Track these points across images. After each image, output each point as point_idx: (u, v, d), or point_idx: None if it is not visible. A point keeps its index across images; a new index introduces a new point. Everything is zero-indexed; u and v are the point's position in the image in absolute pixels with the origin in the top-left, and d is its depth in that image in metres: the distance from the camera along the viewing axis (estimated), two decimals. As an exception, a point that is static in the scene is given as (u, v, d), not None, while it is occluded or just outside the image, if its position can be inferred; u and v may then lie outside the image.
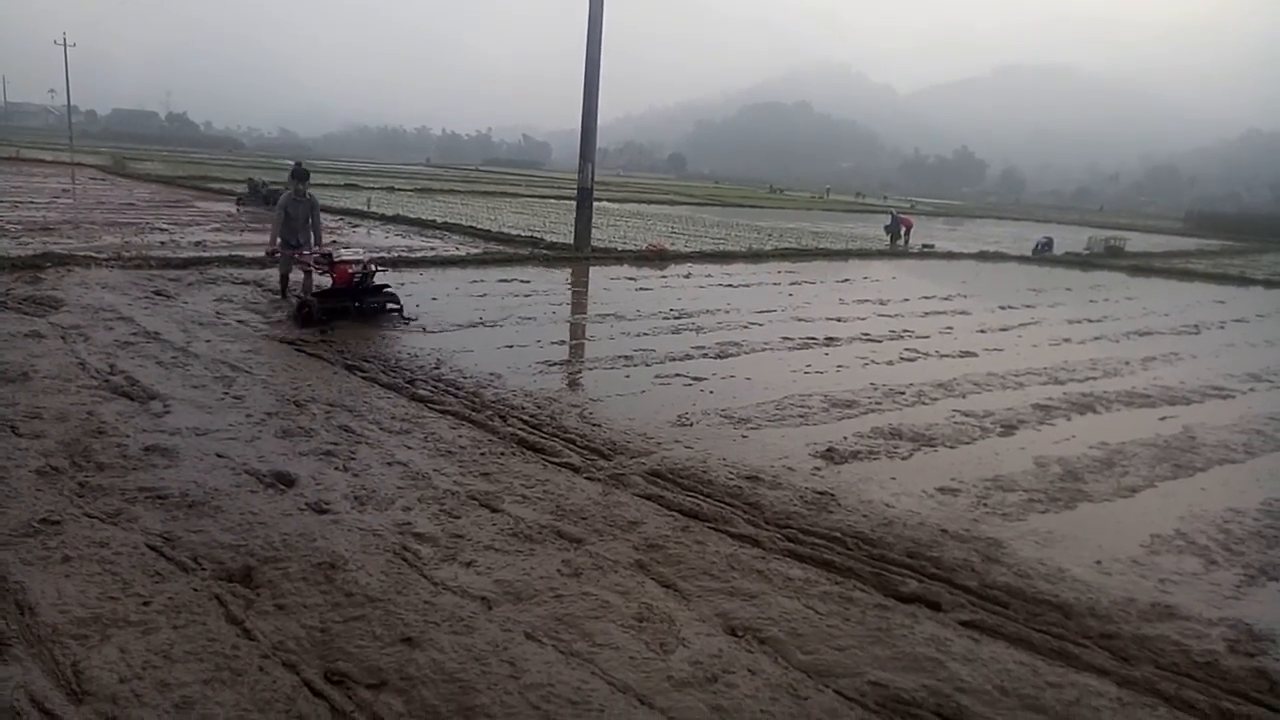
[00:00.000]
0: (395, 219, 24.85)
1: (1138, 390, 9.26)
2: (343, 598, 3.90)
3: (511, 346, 9.44)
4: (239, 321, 9.83)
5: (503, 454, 6.07)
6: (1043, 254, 28.98)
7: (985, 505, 5.69)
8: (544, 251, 19.36)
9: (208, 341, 8.69)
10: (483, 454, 6.02)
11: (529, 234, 22.34)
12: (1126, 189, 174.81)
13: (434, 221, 24.38)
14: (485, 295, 13.04)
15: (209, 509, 4.74)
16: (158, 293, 11.27)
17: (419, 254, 17.11)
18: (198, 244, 16.62)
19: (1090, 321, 14.59)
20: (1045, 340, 12.27)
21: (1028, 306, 16.04)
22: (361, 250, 10.87)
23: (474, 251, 18.25)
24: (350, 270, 10.26)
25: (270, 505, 4.87)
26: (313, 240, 11.22)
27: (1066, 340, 12.39)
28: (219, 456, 5.55)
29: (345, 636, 3.60)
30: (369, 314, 10.34)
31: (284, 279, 11.45)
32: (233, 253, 15.22)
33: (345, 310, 10.16)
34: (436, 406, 7.07)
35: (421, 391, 7.47)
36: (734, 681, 3.50)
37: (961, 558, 4.81)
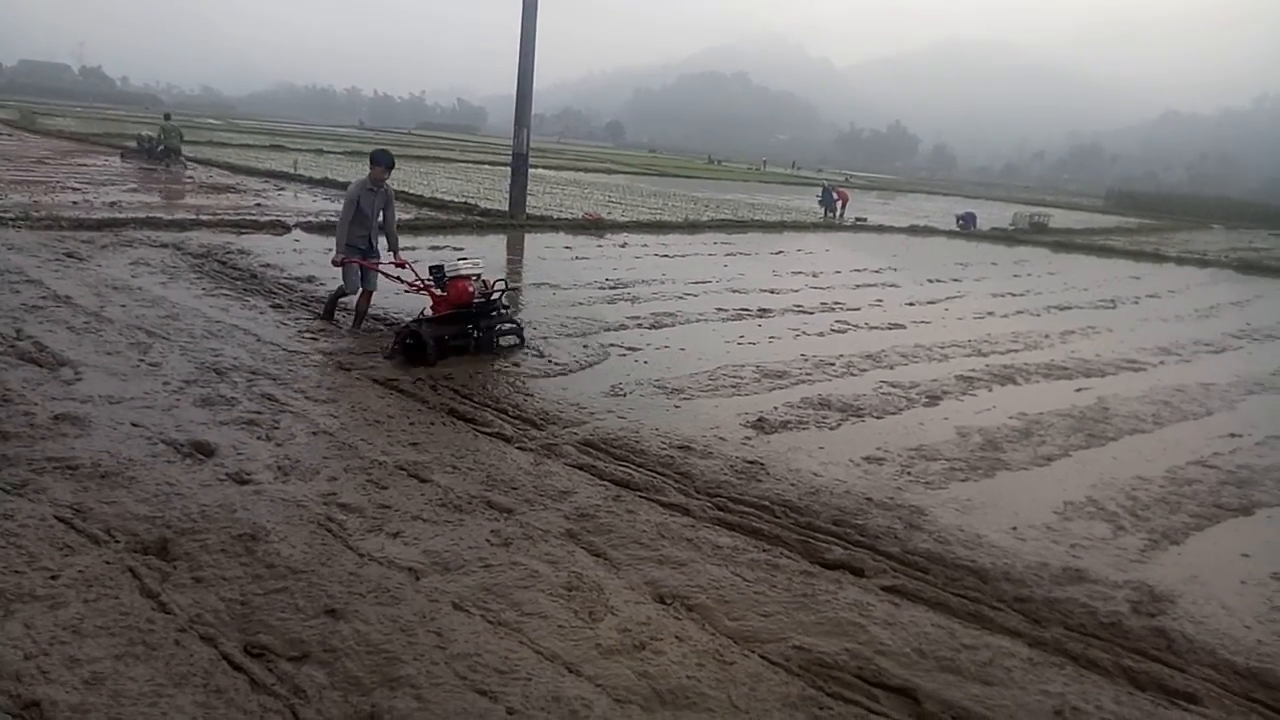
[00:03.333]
0: (324, 183, 24.17)
1: (1056, 362, 9.58)
2: (264, 570, 3.82)
3: (443, 314, 9.28)
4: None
5: (432, 424, 5.99)
6: (966, 228, 29.62)
7: (909, 474, 5.83)
8: (478, 218, 19.07)
9: (123, 306, 8.34)
10: (412, 424, 5.93)
11: (463, 200, 21.95)
12: (1052, 166, 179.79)
13: (365, 185, 23.74)
14: (417, 263, 12.75)
15: (123, 480, 4.57)
16: (69, 255, 10.77)
17: (348, 219, 16.65)
18: (112, 204, 15.91)
19: (1013, 295, 15.02)
20: (970, 313, 12.59)
21: (955, 280, 16.43)
22: (480, 259, 8.17)
23: (405, 218, 17.84)
24: (470, 287, 7.78)
25: (188, 476, 4.72)
26: (384, 244, 8.51)
27: (990, 314, 12.73)
28: (134, 426, 5.35)
29: (266, 609, 3.52)
30: (488, 346, 7.89)
31: (338, 297, 8.62)
32: (150, 214, 14.61)
33: (463, 341, 7.74)
34: (362, 372, 6.93)
35: (343, 362, 7.31)
36: (661, 648, 3.53)
37: (885, 525, 4.93)
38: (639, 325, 9.69)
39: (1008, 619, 4.07)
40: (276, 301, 9.27)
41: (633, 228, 20.54)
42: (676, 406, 6.87)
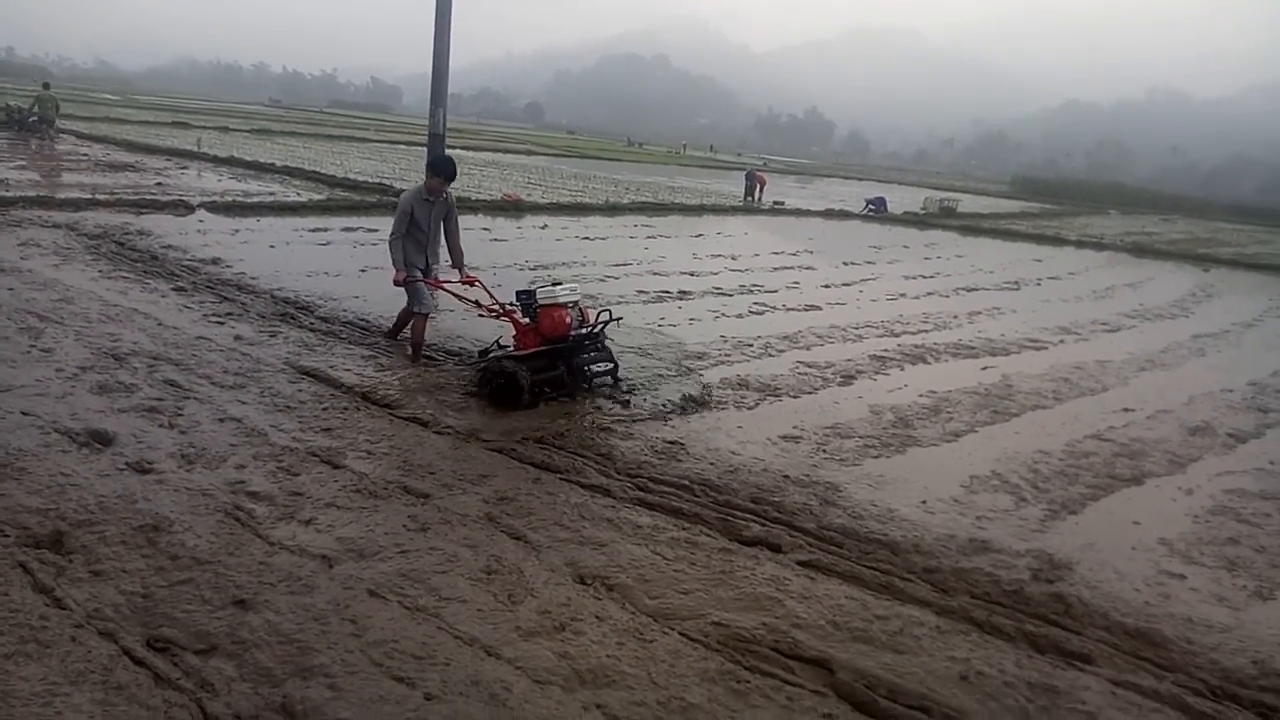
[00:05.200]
0: (229, 161, 23.25)
1: (964, 342, 9.92)
2: (168, 561, 3.67)
3: (358, 297, 9.06)
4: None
5: (346, 408, 5.85)
6: (877, 213, 30.30)
7: (824, 451, 5.96)
8: (393, 199, 18.58)
9: (10, 290, 7.88)
10: (325, 409, 5.78)
11: (378, 181, 21.45)
12: (960, 153, 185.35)
13: (273, 165, 22.98)
14: (329, 245, 12.46)
15: (12, 471, 4.33)
16: (-51, 235, 10.12)
17: (255, 199, 16.09)
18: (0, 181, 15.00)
19: (924, 278, 15.47)
20: (883, 295, 12.92)
21: (869, 263, 16.82)
22: (576, 285, 6.97)
23: (317, 198, 17.35)
24: (567, 317, 6.60)
25: (84, 466, 4.50)
26: (448, 261, 7.43)
27: (902, 295, 13.09)
28: (24, 415, 5.07)
29: (170, 601, 3.39)
30: (578, 383, 6.68)
31: (404, 324, 7.49)
32: (40, 193, 13.82)
33: (556, 378, 6.52)
34: (267, 353, 6.72)
35: (248, 332, 7.08)
36: (581, 629, 3.54)
37: (801, 501, 5.04)
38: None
39: (917, 589, 4.20)
40: (179, 284, 8.89)
41: (553, 210, 20.38)
42: (606, 386, 6.86)
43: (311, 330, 7.71)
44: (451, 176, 7.03)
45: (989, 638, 3.85)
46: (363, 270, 10.71)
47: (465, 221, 16.73)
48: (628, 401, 6.56)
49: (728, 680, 3.32)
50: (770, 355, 8.46)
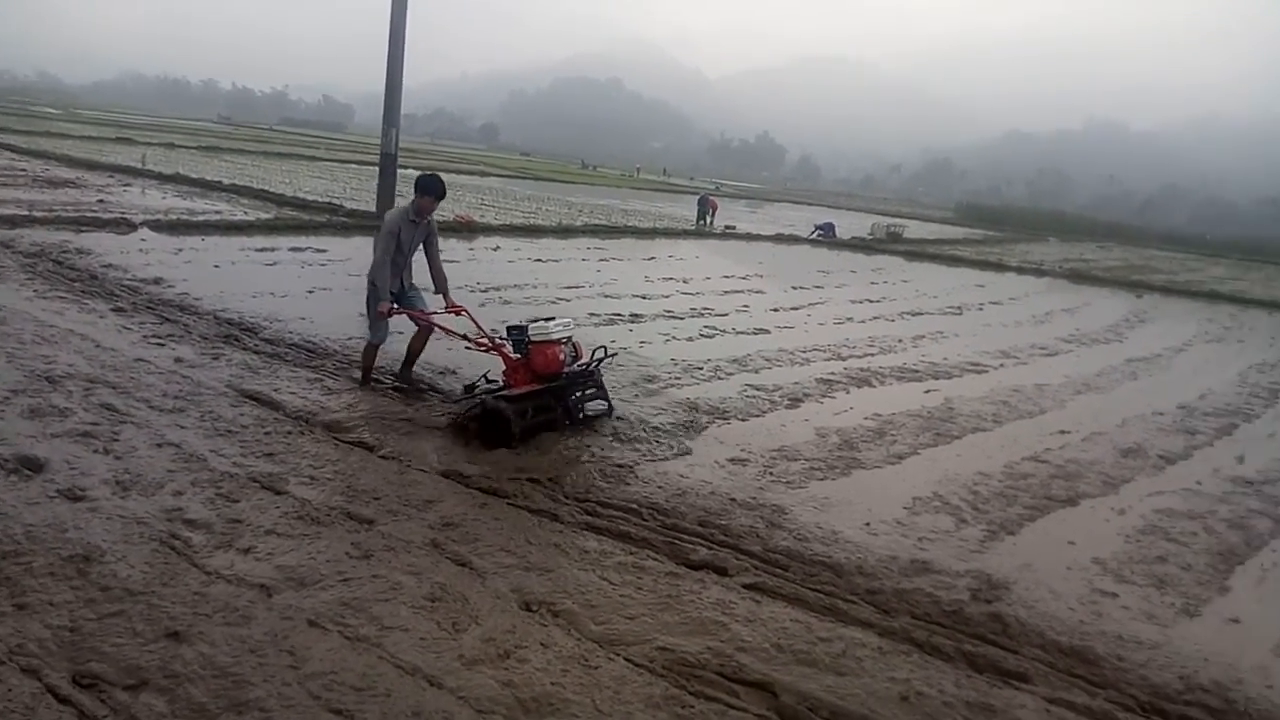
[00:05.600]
0: (175, 178, 22.81)
1: (908, 366, 10.11)
2: (98, 593, 3.57)
3: (305, 319, 8.94)
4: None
5: (290, 433, 5.76)
6: (825, 238, 30.79)
7: (771, 474, 6.03)
8: (343, 219, 18.47)
9: (-62, 310, 7.63)
10: (268, 433, 5.68)
11: (328, 200, 21.21)
12: (907, 179, 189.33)
13: (220, 183, 22.60)
14: (276, 265, 12.28)
15: (-65, 500, 4.18)
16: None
17: (200, 218, 15.80)
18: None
19: (871, 302, 15.75)
20: (831, 319, 13.12)
21: (817, 287, 17.08)
22: (570, 320, 6.79)
23: (264, 217, 17.10)
24: (561, 354, 6.34)
25: (12, 494, 4.35)
26: (429, 287, 7.10)
27: (849, 319, 13.31)
28: (-51, 441, 4.91)
29: (100, 635, 3.30)
30: (573, 418, 6.46)
31: (373, 353, 7.04)
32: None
33: (549, 417, 6.29)
34: (209, 376, 6.59)
35: (190, 355, 6.94)
36: (526, 656, 3.52)
37: (748, 524, 5.08)
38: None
39: (860, 611, 4.26)
40: (119, 305, 8.68)
41: (506, 231, 20.35)
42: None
43: (256, 353, 7.58)
44: (441, 195, 6.79)
45: (929, 658, 3.92)
46: (310, 291, 10.58)
47: (416, 243, 16.68)
48: (613, 416, 6.66)
49: (672, 705, 3.33)
50: (719, 378, 8.53)
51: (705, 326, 11.23)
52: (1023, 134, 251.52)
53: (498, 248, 17.33)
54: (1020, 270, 27.59)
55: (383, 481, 5.11)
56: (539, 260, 16.06)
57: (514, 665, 3.45)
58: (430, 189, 6.69)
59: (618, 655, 3.63)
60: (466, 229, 19.59)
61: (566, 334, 6.42)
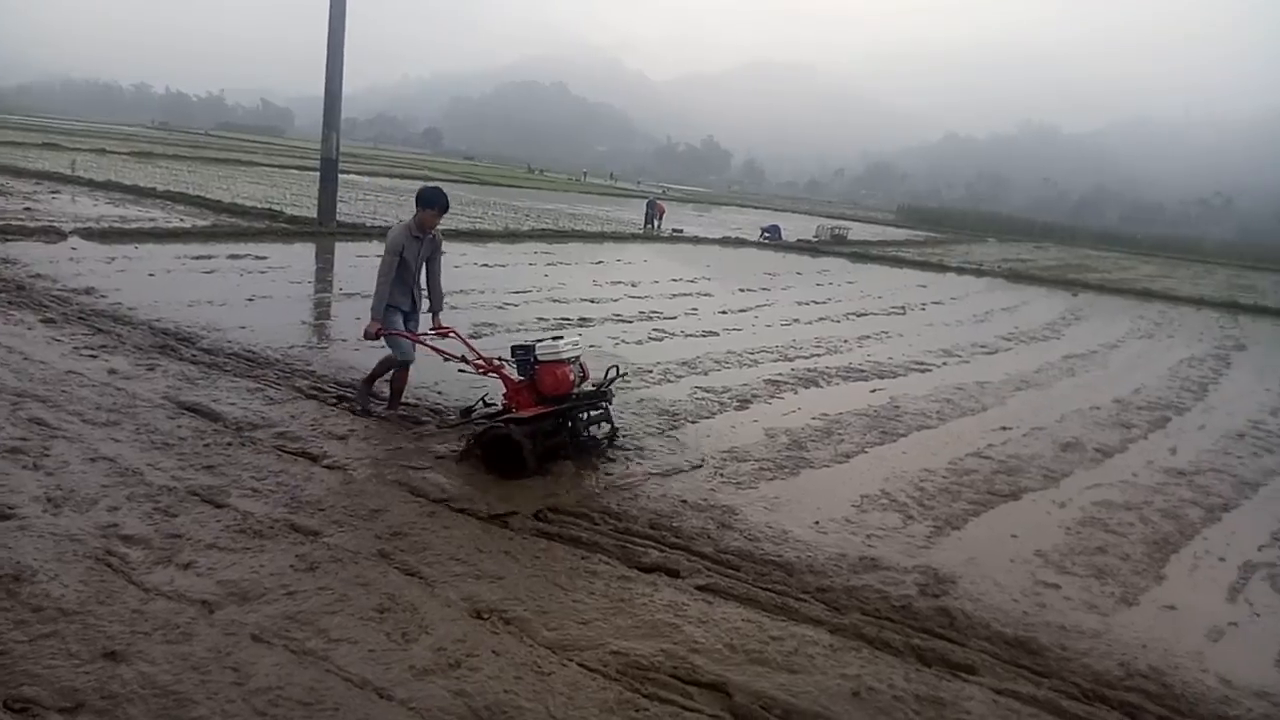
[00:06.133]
0: (106, 185, 22.12)
1: (854, 365, 10.26)
2: (29, 614, 3.43)
3: (245, 328, 8.74)
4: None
5: (231, 444, 5.61)
6: (772, 240, 31.14)
7: (721, 475, 6.05)
8: (284, 225, 18.12)
9: None
10: (207, 445, 5.52)
11: (267, 206, 20.78)
12: (850, 182, 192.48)
13: (154, 190, 21.98)
14: (213, 272, 11.98)
15: None
16: None
17: (134, 225, 15.35)
18: None
19: (816, 303, 15.95)
20: (778, 320, 13.25)
21: (764, 289, 17.24)
22: (579, 336, 6.44)
23: (201, 224, 16.68)
24: (570, 374, 5.97)
25: (-65, 514, 4.17)
26: (427, 304, 6.73)
27: (796, 320, 13.46)
28: None
29: (32, 657, 3.17)
30: (583, 439, 6.16)
31: (382, 372, 6.65)
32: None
33: (558, 441, 5.97)
34: (144, 388, 6.40)
35: (124, 366, 6.73)
36: (478, 665, 3.48)
37: (699, 526, 5.10)
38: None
39: (811, 609, 4.30)
40: (48, 315, 8.38)
41: (451, 236, 20.06)
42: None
43: (194, 363, 7.38)
44: (445, 208, 6.38)
45: (879, 653, 3.97)
46: (250, 299, 10.35)
47: (358, 248, 16.52)
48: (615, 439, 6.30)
49: (626, 709, 3.32)
50: (669, 381, 8.55)
51: (654, 330, 11.26)
52: (961, 138, 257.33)
53: (443, 253, 17.13)
54: (961, 271, 28.20)
55: (327, 492, 5.01)
56: (485, 265, 15.94)
57: (466, 674, 3.40)
58: (432, 201, 6.29)
59: (571, 661, 3.60)
60: (411, 234, 19.34)
61: (576, 353, 6.03)
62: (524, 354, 5.96)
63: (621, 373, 6.58)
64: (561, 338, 6.04)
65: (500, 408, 6.10)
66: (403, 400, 6.70)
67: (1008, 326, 15.63)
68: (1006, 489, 6.43)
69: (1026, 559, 5.22)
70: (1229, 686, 3.96)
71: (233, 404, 6.40)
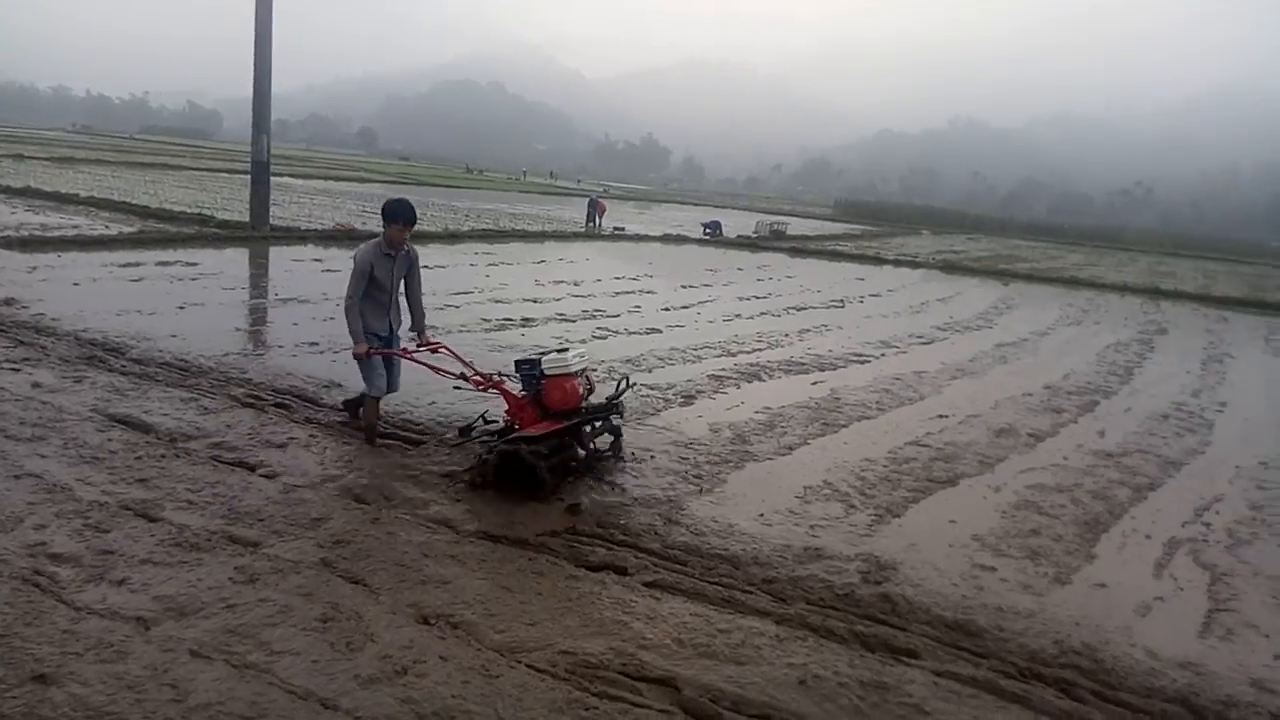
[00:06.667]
0: (25, 192, 21.28)
1: (795, 359, 10.40)
2: (-48, 640, 3.30)
3: (176, 336, 8.49)
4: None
5: (164, 456, 5.46)
6: (713, 236, 31.37)
7: (668, 471, 6.07)
8: (215, 230, 17.63)
9: None
10: (139, 458, 5.37)
11: (197, 211, 20.24)
12: (788, 178, 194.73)
13: (77, 196, 21.22)
14: (142, 280, 11.61)
15: None
16: None
17: (55, 233, 14.80)
18: None
19: (757, 298, 16.12)
20: (720, 316, 13.36)
21: (705, 285, 17.35)
22: (583, 348, 6.37)
23: (128, 231, 16.15)
24: (579, 386, 5.77)
25: None
26: (405, 323, 6.31)
27: (738, 316, 13.58)
28: None
29: (-44, 685, 3.05)
30: (590, 454, 5.96)
31: (374, 408, 6.18)
32: None
33: (570, 455, 5.75)
34: (71, 401, 6.19)
35: (49, 379, 6.49)
36: (425, 671, 3.45)
37: (646, 522, 5.12)
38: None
39: (757, 600, 4.36)
40: (-36, 329, 8.05)
41: (389, 239, 19.83)
42: (444, 418, 6.72)
43: (123, 374, 7.16)
44: (412, 221, 6.02)
45: (824, 641, 4.04)
46: (181, 307, 10.06)
47: (293, 252, 16.18)
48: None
49: (575, 709, 3.32)
50: (614, 379, 8.54)
51: (598, 328, 11.25)
52: (894, 133, 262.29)
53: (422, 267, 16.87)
54: (897, 263, 28.75)
55: (266, 502, 4.91)
56: (425, 267, 15.61)
57: (413, 681, 3.37)
58: (398, 215, 5.91)
59: (519, 663, 3.60)
60: (348, 237, 19.02)
61: (583, 365, 5.83)
62: (529, 368, 5.71)
63: (631, 383, 6.41)
64: (567, 350, 5.81)
65: (503, 425, 5.87)
66: (379, 427, 6.24)
67: (943, 317, 16.00)
68: (944, 476, 6.58)
69: (964, 543, 5.36)
70: (1155, 659, 4.13)
71: (165, 415, 6.23)
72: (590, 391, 5.90)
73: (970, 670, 3.89)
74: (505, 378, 6.06)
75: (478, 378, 6.00)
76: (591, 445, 5.98)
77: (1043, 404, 9.40)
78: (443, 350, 6.22)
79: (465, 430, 6.10)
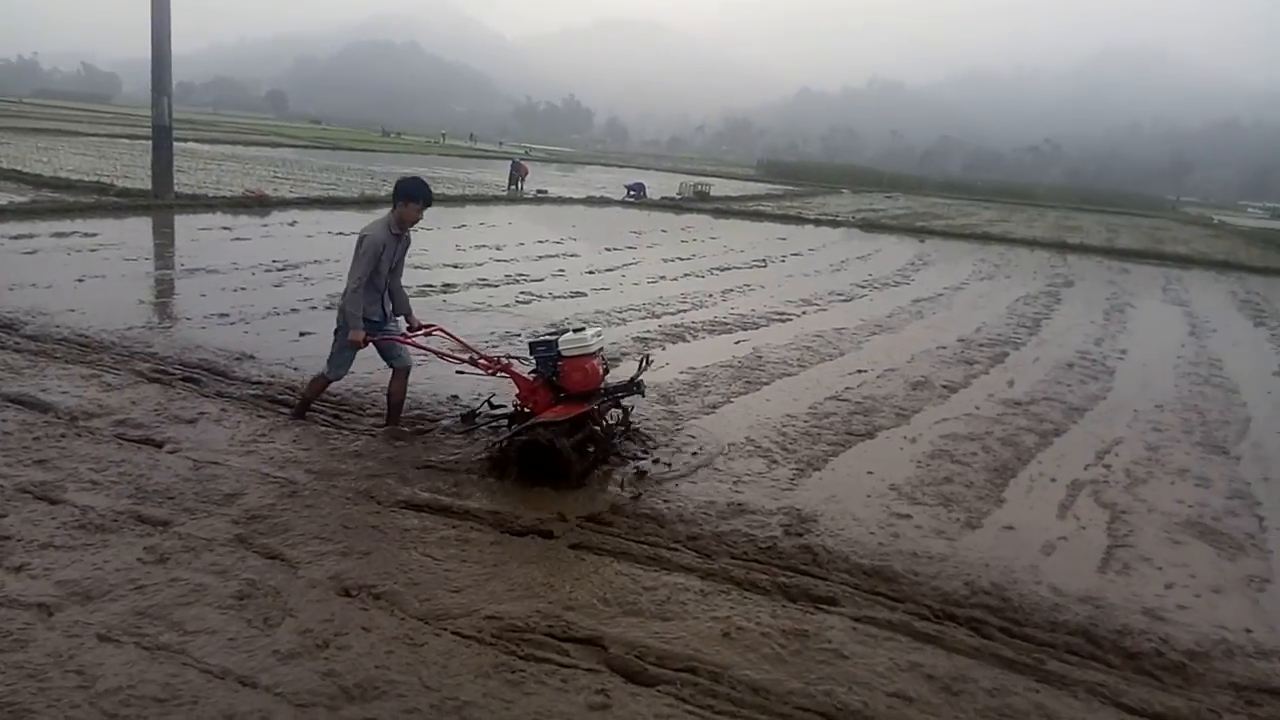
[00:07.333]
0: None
1: (719, 319, 10.48)
2: None
3: (75, 311, 8.10)
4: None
5: (65, 435, 5.22)
6: (637, 198, 31.29)
7: (592, 434, 6.08)
8: (115, 199, 16.81)
9: None
10: (36, 438, 5.12)
11: (95, 179, 19.27)
12: (711, 139, 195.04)
13: (-41, 164, 19.94)
14: (36, 253, 11.02)
15: None
16: None
17: (-63, 204, 13.89)
18: None
19: (681, 260, 16.16)
20: (644, 278, 13.37)
21: (630, 248, 17.32)
22: (600, 329, 6.15)
23: (19, 200, 15.27)
24: (599, 367, 5.48)
25: None
26: (394, 307, 5.91)
27: (662, 278, 13.61)
28: None
29: None
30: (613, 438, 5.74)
31: (321, 386, 5.97)
32: None
33: (589, 438, 5.47)
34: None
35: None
36: (348, 643, 3.40)
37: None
38: (312, 308, 9.14)
39: (682, 557, 4.42)
40: None
41: (303, 205, 19.23)
42: (361, 390, 6.58)
43: (17, 351, 6.80)
44: (430, 201, 5.71)
45: (748, 594, 4.12)
46: (80, 280, 9.60)
47: (200, 220, 15.60)
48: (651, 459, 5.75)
49: (502, 672, 3.32)
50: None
51: (521, 293, 11.14)
52: (814, 93, 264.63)
53: (294, 222, 16.37)
54: (818, 222, 29.13)
55: (176, 479, 4.75)
56: (341, 234, 15.28)
57: (335, 654, 3.33)
58: (418, 194, 5.55)
59: (444, 630, 3.58)
60: (258, 204, 18.36)
61: (601, 344, 5.55)
62: (545, 350, 5.41)
63: (651, 361, 6.27)
64: (585, 329, 5.51)
65: (513, 410, 5.64)
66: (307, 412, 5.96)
67: (862, 274, 16.31)
68: (863, 429, 6.75)
69: (882, 493, 5.52)
70: (1059, 595, 4.33)
71: (65, 393, 5.95)
72: (607, 371, 5.68)
73: (887, 614, 4.02)
74: (512, 360, 5.79)
75: (483, 361, 5.73)
76: (605, 422, 5.75)
77: (956, 356, 9.69)
78: (437, 332, 5.94)
79: (469, 416, 5.88)
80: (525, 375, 5.59)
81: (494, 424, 5.80)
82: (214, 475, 4.85)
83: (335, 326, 5.76)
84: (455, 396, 6.69)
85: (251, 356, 7.17)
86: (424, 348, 5.90)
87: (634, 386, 5.72)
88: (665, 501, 5.01)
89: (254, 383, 6.54)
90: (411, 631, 3.54)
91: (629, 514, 4.82)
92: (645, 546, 4.49)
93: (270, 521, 4.37)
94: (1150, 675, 3.73)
